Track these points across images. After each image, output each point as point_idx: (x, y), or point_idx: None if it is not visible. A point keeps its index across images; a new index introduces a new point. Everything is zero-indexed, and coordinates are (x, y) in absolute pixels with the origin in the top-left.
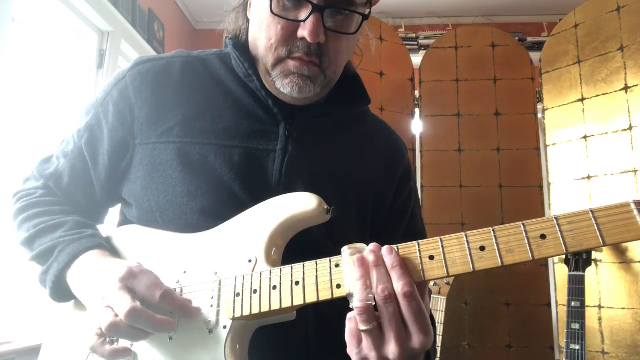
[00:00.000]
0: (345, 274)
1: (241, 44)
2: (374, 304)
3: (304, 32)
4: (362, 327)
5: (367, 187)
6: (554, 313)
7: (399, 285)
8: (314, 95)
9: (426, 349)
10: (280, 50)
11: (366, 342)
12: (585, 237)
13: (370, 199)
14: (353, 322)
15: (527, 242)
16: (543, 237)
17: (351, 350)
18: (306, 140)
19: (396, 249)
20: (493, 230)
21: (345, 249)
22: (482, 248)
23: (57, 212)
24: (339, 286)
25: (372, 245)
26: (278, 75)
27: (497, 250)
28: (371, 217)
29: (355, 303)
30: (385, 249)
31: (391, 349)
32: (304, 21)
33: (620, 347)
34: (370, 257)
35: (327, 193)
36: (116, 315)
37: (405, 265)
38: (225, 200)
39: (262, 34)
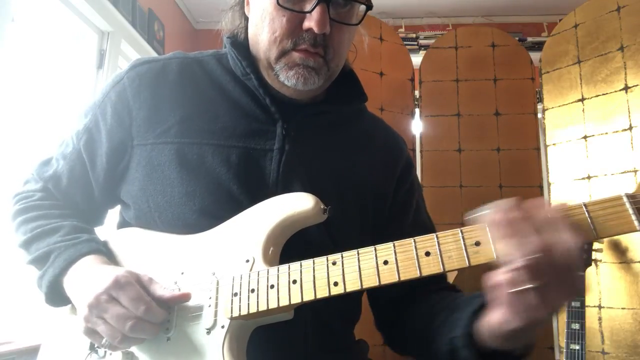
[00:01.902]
0: (485, 237)
1: (239, 43)
2: (536, 257)
3: (310, 23)
4: (529, 285)
5: (365, 184)
6: None
7: (564, 238)
8: (317, 87)
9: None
10: (286, 42)
11: (533, 301)
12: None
13: (369, 195)
14: (507, 285)
15: None
16: None
17: (511, 315)
18: (303, 138)
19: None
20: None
21: (479, 212)
22: (478, 243)
23: (54, 216)
24: (336, 284)
25: (513, 201)
26: (282, 68)
27: (492, 245)
28: (372, 214)
29: (516, 263)
30: (533, 203)
31: (559, 297)
32: (309, 12)
33: (620, 347)
34: (514, 214)
35: (325, 191)
36: (113, 329)
37: (566, 217)
38: (224, 199)
39: (265, 27)
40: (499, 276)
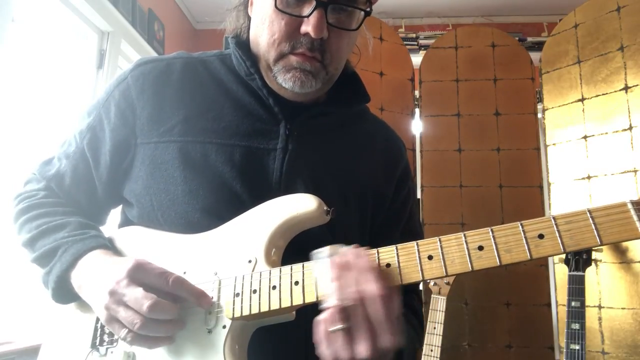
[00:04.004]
0: (318, 276)
1: (242, 43)
2: (346, 305)
3: (307, 27)
4: (334, 328)
5: (366, 185)
6: (554, 313)
7: (372, 288)
8: (315, 90)
9: (395, 348)
10: (283, 45)
11: (338, 342)
12: (583, 236)
13: (369, 197)
14: (324, 324)
15: (525, 241)
16: (541, 236)
17: (323, 350)
18: (306, 139)
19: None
20: (491, 230)
21: (318, 252)
22: (481, 248)
23: (59, 213)
24: None
25: (346, 248)
26: (280, 71)
27: (495, 250)
28: (371, 217)
29: (329, 303)
30: (357, 252)
31: (362, 349)
32: (307, 17)
33: (620, 347)
34: (343, 260)
35: (327, 191)
36: (135, 312)
37: (377, 267)
38: (226, 198)
39: (265, 30)
40: (321, 315)
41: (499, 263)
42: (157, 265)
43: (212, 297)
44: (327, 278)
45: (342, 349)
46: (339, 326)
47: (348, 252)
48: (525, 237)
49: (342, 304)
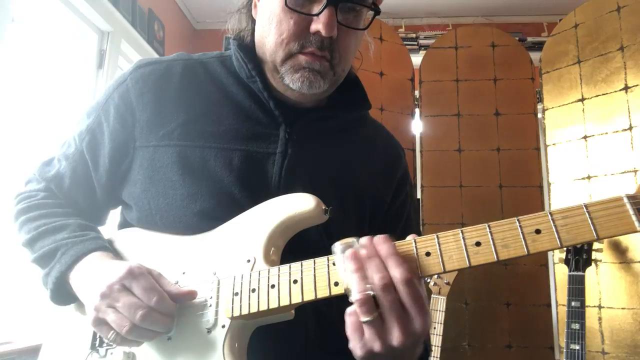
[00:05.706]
0: (340, 269)
1: (245, 45)
2: (372, 294)
3: (318, 25)
4: (364, 319)
5: (365, 190)
6: (554, 313)
7: (396, 272)
8: (322, 92)
9: (427, 330)
10: (292, 45)
11: (369, 333)
12: (580, 231)
13: (368, 202)
14: (354, 316)
15: (522, 237)
16: (538, 231)
17: (354, 344)
18: (306, 143)
19: (389, 239)
20: (488, 226)
21: (337, 245)
22: (478, 243)
23: (58, 215)
24: (336, 284)
25: (364, 238)
26: (287, 71)
27: (492, 246)
28: (369, 220)
29: (355, 296)
30: (377, 239)
31: (395, 335)
32: (317, 15)
33: (620, 347)
34: (363, 250)
35: (326, 195)
36: (124, 316)
37: (398, 252)
38: (225, 202)
39: (272, 29)
40: (349, 308)
41: (496, 258)
42: (146, 277)
43: (211, 297)
44: (348, 270)
45: (374, 339)
46: (369, 317)
47: (368, 241)
48: (522, 233)
49: (367, 294)
